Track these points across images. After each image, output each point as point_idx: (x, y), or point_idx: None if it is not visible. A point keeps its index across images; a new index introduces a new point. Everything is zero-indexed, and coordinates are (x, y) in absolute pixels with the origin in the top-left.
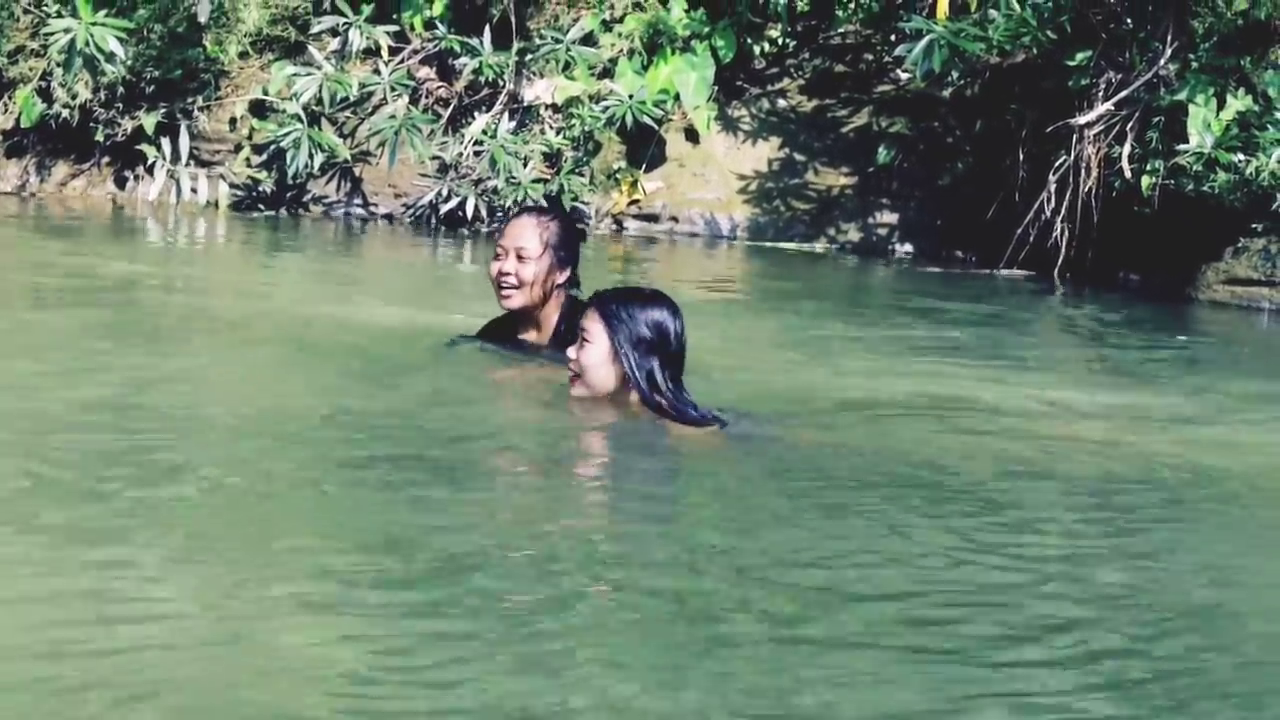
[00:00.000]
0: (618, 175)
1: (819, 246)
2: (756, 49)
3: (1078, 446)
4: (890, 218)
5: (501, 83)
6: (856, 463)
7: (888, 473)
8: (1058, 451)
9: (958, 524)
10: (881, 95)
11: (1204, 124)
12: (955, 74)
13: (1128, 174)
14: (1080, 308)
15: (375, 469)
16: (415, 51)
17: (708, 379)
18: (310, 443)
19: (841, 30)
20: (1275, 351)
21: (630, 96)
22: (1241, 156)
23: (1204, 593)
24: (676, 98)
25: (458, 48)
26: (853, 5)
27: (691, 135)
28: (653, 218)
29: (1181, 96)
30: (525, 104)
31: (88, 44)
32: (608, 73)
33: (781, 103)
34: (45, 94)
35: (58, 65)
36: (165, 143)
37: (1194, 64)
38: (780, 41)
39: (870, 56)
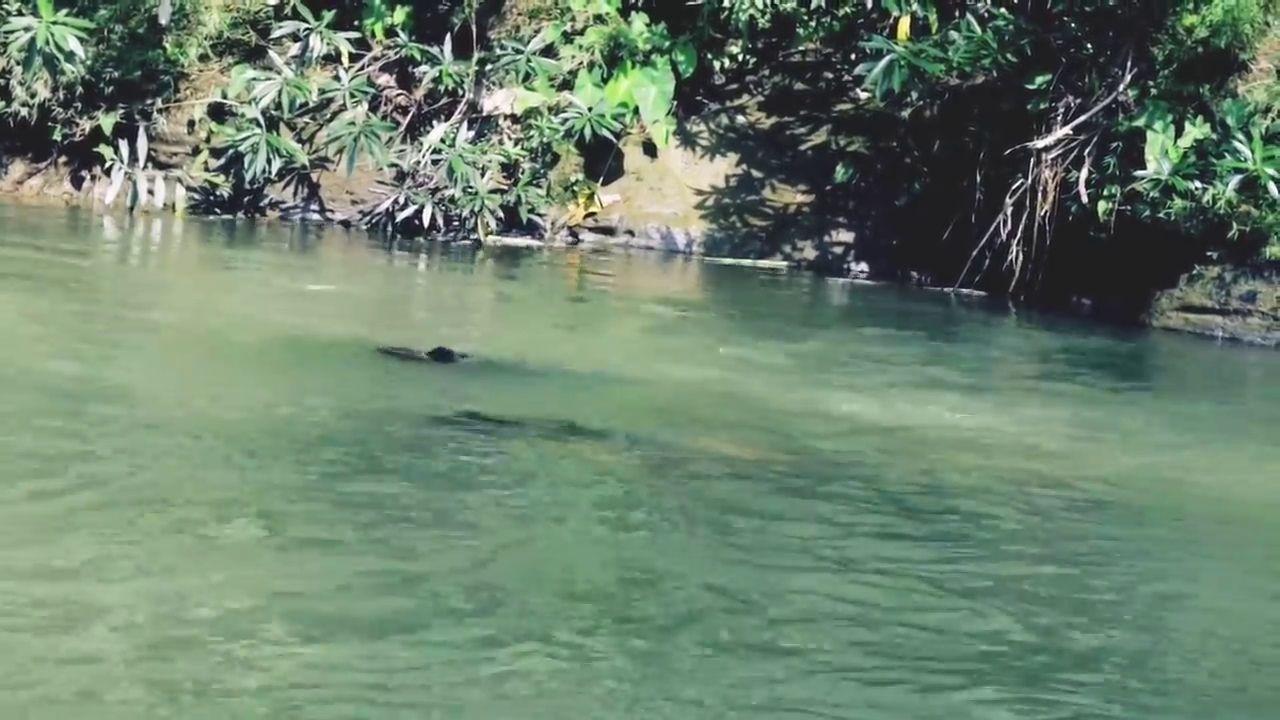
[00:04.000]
0: (575, 187)
1: (774, 263)
2: (717, 64)
3: (1022, 470)
4: (846, 236)
5: (461, 92)
6: (796, 483)
7: (830, 493)
8: (1005, 475)
9: (895, 550)
10: (840, 114)
11: (1162, 150)
12: (915, 95)
13: (1084, 198)
14: (1032, 330)
15: (312, 477)
16: (376, 59)
17: (654, 386)
18: (244, 449)
19: (802, 48)
20: (1226, 379)
21: (590, 109)
22: (1198, 184)
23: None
24: (636, 111)
25: (418, 56)
26: (814, 23)
27: (650, 149)
28: (609, 230)
29: (1140, 123)
30: (484, 114)
31: (48, 43)
32: (567, 84)
33: (740, 119)
34: (4, 92)
35: (17, 64)
36: (123, 145)
37: (1153, 90)
38: (740, 58)
39: (830, 75)
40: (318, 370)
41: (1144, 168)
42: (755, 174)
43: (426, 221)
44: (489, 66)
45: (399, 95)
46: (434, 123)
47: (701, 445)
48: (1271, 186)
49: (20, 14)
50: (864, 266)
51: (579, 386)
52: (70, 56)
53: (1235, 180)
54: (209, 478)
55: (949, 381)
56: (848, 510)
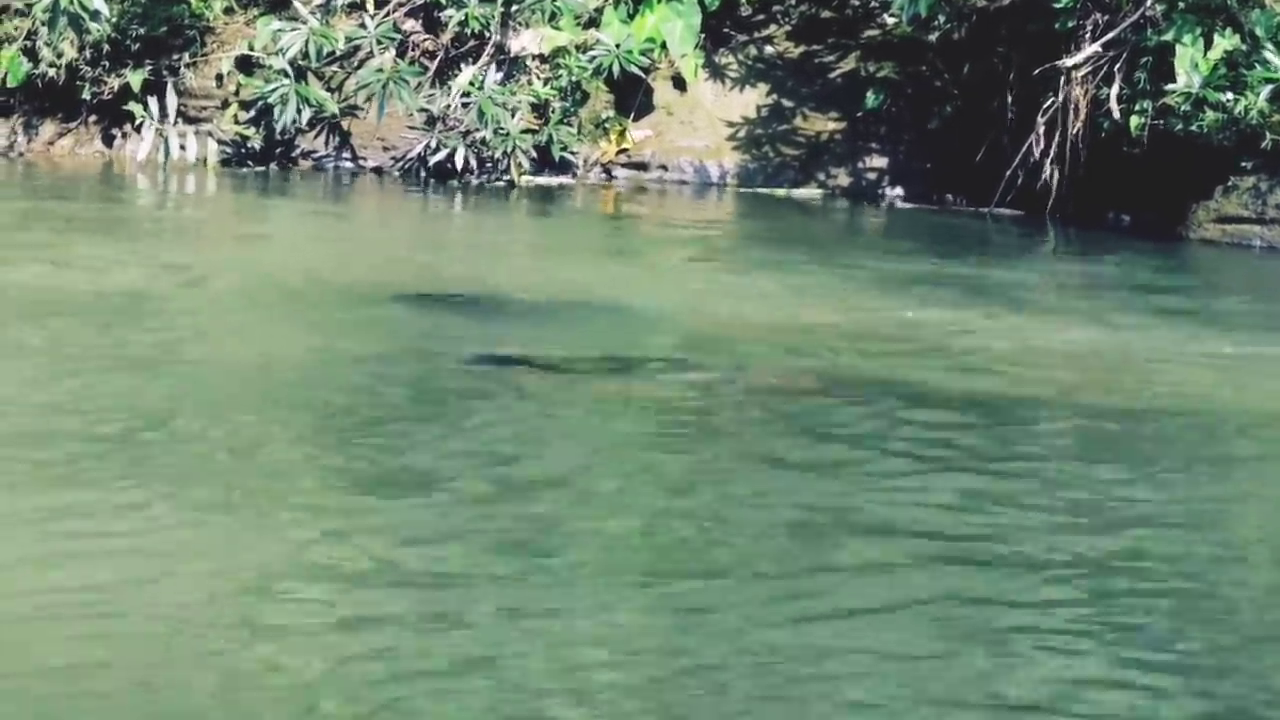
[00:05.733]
0: (606, 124)
1: (809, 191)
2: None
3: (1068, 386)
4: (880, 162)
5: (488, 34)
6: (850, 413)
7: (883, 421)
8: (1052, 392)
9: (948, 479)
10: (869, 40)
11: (1191, 64)
12: (942, 18)
13: (1116, 115)
14: (1070, 248)
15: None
16: (401, 4)
17: (707, 318)
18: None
19: None
20: (1268, 289)
21: (617, 46)
22: (1230, 95)
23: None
24: (663, 46)
25: (444, 0)
26: None
27: (679, 83)
28: (642, 166)
29: (1169, 37)
30: (512, 55)
31: (72, 2)
32: (594, 22)
33: (769, 49)
34: (31, 53)
35: (42, 24)
36: (153, 101)
37: (1180, 4)
38: None
39: (857, 1)
40: (359, 317)
41: (1174, 82)
42: (786, 103)
43: (459, 165)
44: (515, 7)
45: (426, 40)
46: (462, 66)
47: (762, 376)
48: None
49: None
50: (899, 191)
51: (626, 322)
52: (95, 15)
53: (1267, 90)
54: (238, 432)
55: (995, 300)
56: (917, 429)
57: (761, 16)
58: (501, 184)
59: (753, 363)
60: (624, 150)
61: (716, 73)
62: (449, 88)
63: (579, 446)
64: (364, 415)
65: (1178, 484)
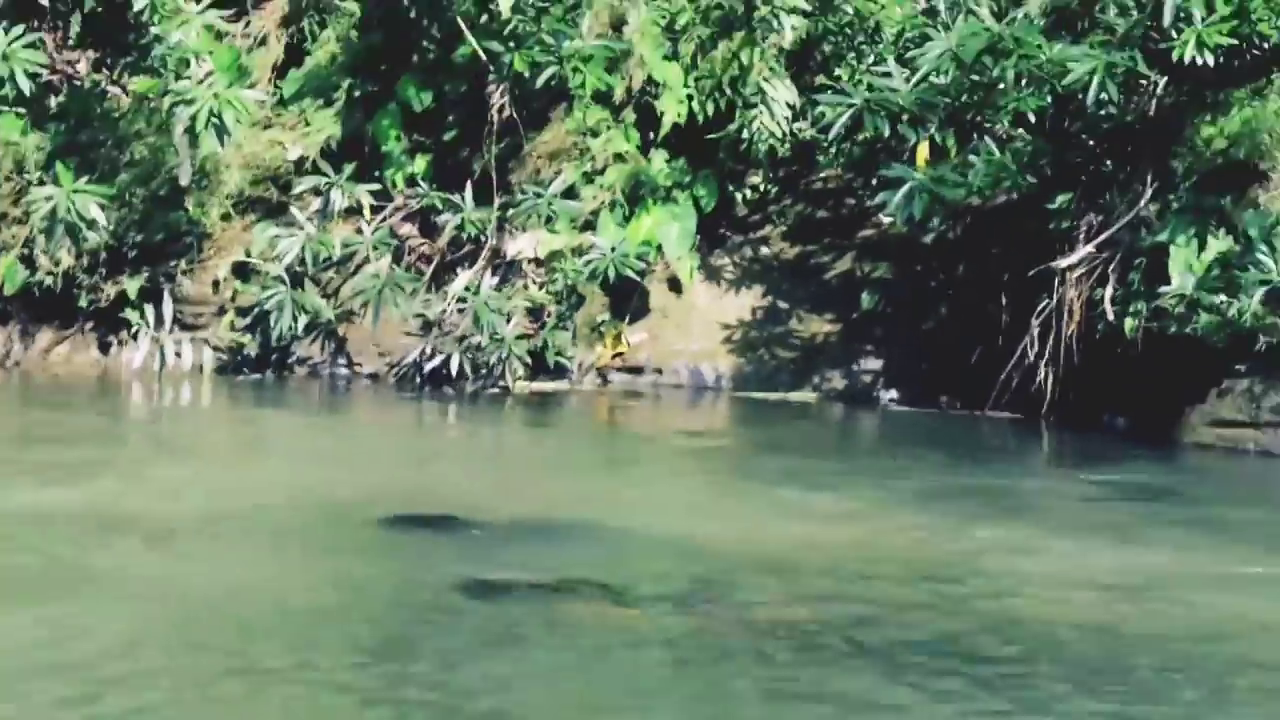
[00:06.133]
0: (601, 328)
1: (804, 395)
2: (738, 196)
3: (1069, 611)
4: (875, 364)
5: (484, 238)
6: (840, 636)
7: (874, 647)
8: (1051, 617)
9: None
10: (864, 240)
11: (1185, 265)
12: (936, 220)
13: (1110, 316)
14: (1066, 458)
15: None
16: (397, 209)
17: (695, 537)
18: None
19: (823, 175)
20: (1265, 498)
21: (613, 249)
22: (1224, 297)
23: None
24: (659, 248)
25: (440, 204)
26: (834, 150)
27: (675, 285)
28: (637, 370)
29: (1163, 238)
30: (508, 258)
31: (69, 211)
32: (590, 225)
33: (764, 250)
34: (28, 261)
35: (40, 233)
36: (149, 309)
37: (1174, 204)
38: (762, 188)
39: (852, 201)
40: (343, 544)
41: (1168, 282)
42: (781, 305)
43: (454, 371)
44: (510, 211)
45: (422, 244)
46: (458, 270)
47: (748, 612)
48: None
49: (41, 183)
50: (894, 394)
51: (617, 549)
52: (92, 224)
53: (1260, 292)
54: (217, 663)
55: (991, 517)
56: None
57: (757, 217)
58: (496, 390)
59: (747, 594)
60: (619, 354)
61: (712, 274)
62: (445, 292)
63: (555, 689)
64: (334, 656)
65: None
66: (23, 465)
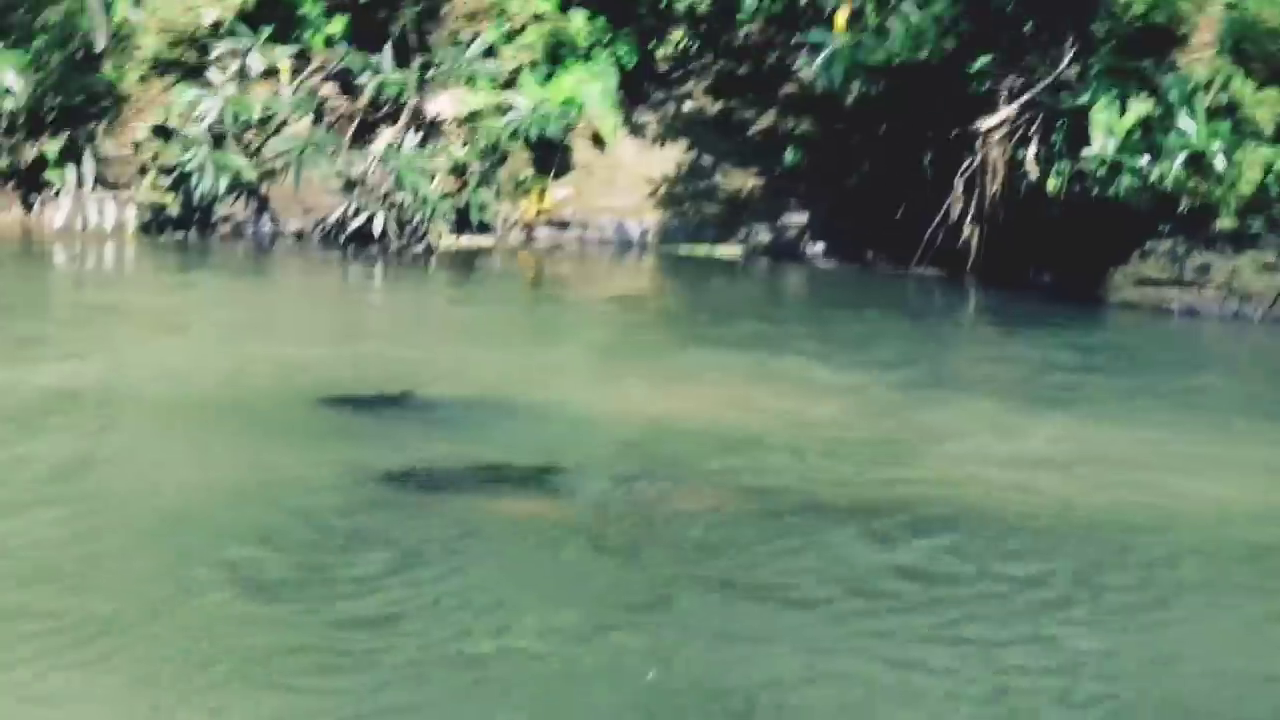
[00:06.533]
0: (525, 184)
1: (730, 249)
2: (659, 53)
3: (993, 477)
4: (800, 219)
5: (405, 98)
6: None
7: (796, 543)
8: (975, 484)
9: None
10: (787, 96)
11: (1106, 128)
12: (858, 84)
13: (1033, 176)
14: (994, 313)
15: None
16: (316, 70)
17: (630, 417)
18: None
19: (744, 32)
20: (1190, 357)
21: (534, 108)
22: (1145, 160)
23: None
24: (581, 106)
25: (359, 65)
26: (755, 7)
27: (599, 141)
28: (563, 225)
29: (1084, 100)
30: (429, 119)
31: None
32: (511, 84)
33: (688, 105)
34: None
35: None
36: (70, 169)
37: (1095, 67)
38: (683, 44)
39: (774, 56)
40: (267, 425)
41: (1090, 144)
42: (705, 159)
43: (378, 230)
44: (430, 72)
45: (342, 103)
46: (379, 130)
47: (675, 495)
48: (1218, 161)
49: None
50: (820, 248)
51: (545, 427)
52: (6, 92)
53: (1181, 157)
54: (142, 557)
55: (921, 382)
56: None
57: (679, 73)
58: (421, 248)
59: (676, 474)
60: (544, 210)
61: (636, 130)
62: (367, 152)
63: (475, 586)
64: (252, 547)
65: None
66: None
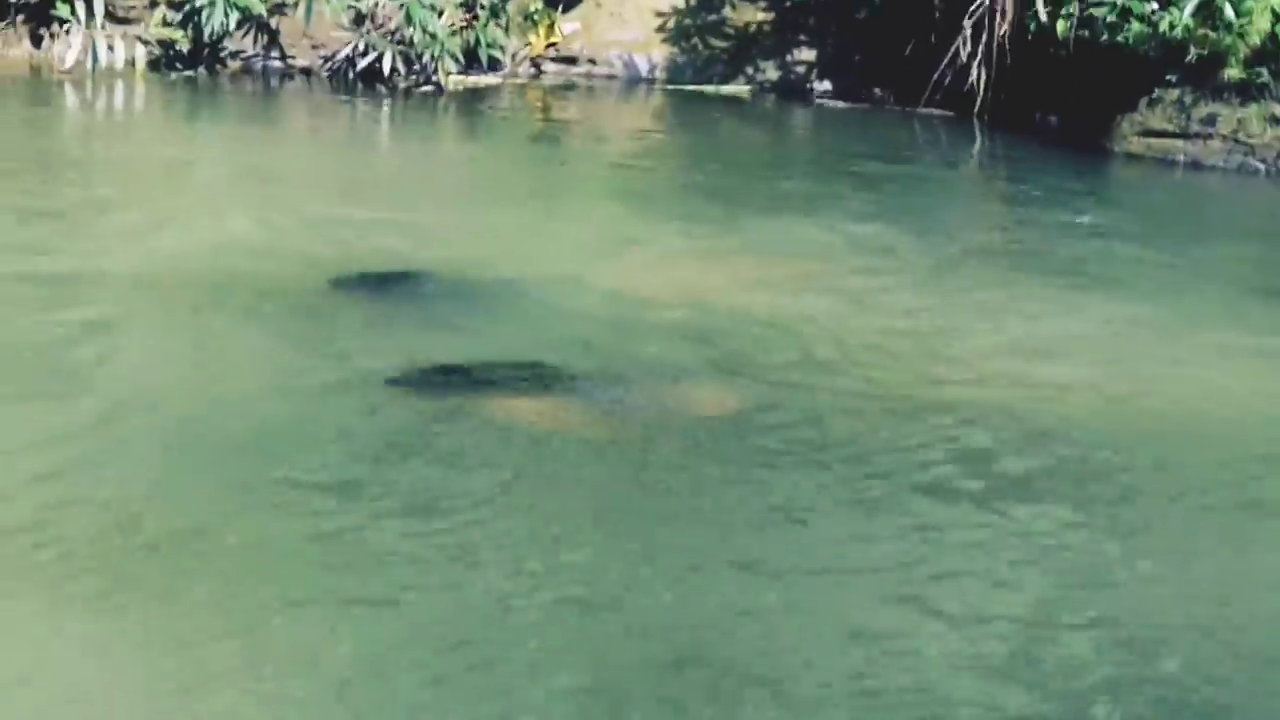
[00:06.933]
0: (534, 17)
1: (737, 87)
2: None
3: (1025, 371)
4: (808, 54)
5: None
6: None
7: (805, 450)
8: (1003, 378)
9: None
10: None
11: None
12: None
13: (1043, 17)
14: (1000, 161)
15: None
16: None
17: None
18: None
19: None
20: (1202, 216)
21: None
22: (1154, 6)
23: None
24: None
25: None
26: None
27: None
28: (571, 60)
29: None
30: None
31: None
32: None
33: None
34: None
35: None
36: (80, 3)
37: None
38: None
39: None
40: (271, 314)
41: None
42: None
43: (387, 68)
44: None
45: None
46: None
47: (676, 396)
48: (1228, 9)
49: None
50: (827, 85)
51: (555, 314)
52: None
53: (1191, 4)
54: (152, 478)
55: (936, 255)
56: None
57: None
58: (430, 87)
59: (694, 368)
60: (553, 44)
61: None
62: None
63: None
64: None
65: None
66: None
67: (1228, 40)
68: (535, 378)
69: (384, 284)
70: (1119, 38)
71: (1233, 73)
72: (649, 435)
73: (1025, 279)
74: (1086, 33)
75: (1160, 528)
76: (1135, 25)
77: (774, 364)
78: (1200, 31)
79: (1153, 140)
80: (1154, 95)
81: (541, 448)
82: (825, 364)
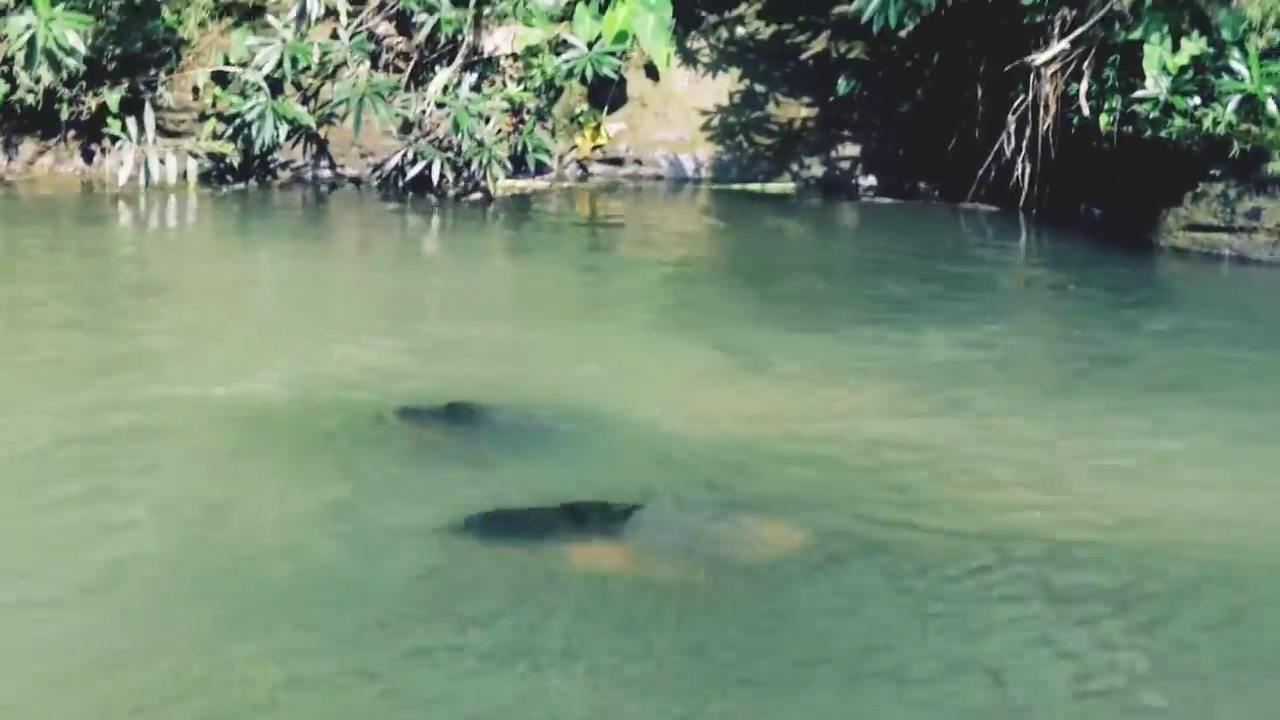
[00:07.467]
0: (580, 119)
1: (783, 185)
2: None
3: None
4: (853, 150)
5: (461, 36)
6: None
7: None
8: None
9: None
10: (839, 18)
11: (1159, 65)
12: (912, 24)
13: (1086, 111)
14: (1047, 258)
15: None
16: (374, 10)
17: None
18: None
19: None
20: (1242, 310)
21: (590, 45)
22: (1197, 101)
23: None
24: (635, 38)
25: (416, 5)
26: None
27: (652, 72)
28: (617, 161)
29: (1136, 35)
30: (485, 55)
31: (47, 39)
32: (567, 16)
33: (740, 30)
34: (8, 77)
35: (19, 53)
36: (131, 120)
37: (1147, 0)
38: None
39: None
40: (326, 448)
41: (1143, 78)
42: (758, 88)
43: (436, 177)
44: (487, 9)
45: (399, 43)
46: (436, 69)
47: (760, 533)
48: (1270, 105)
49: (18, 10)
50: (872, 181)
51: (612, 447)
52: (71, 52)
53: (1234, 101)
54: (196, 618)
55: (996, 365)
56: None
57: None
58: (479, 195)
59: (759, 503)
60: (599, 145)
61: (689, 58)
62: (423, 93)
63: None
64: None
65: None
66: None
67: (1270, 135)
68: (599, 518)
69: (438, 419)
70: (1162, 133)
71: (1276, 167)
72: (718, 580)
73: (1113, 390)
74: (1129, 128)
75: None
76: (1178, 121)
77: (846, 496)
78: (1243, 127)
79: (1198, 234)
80: (1198, 190)
81: (607, 594)
82: (905, 494)
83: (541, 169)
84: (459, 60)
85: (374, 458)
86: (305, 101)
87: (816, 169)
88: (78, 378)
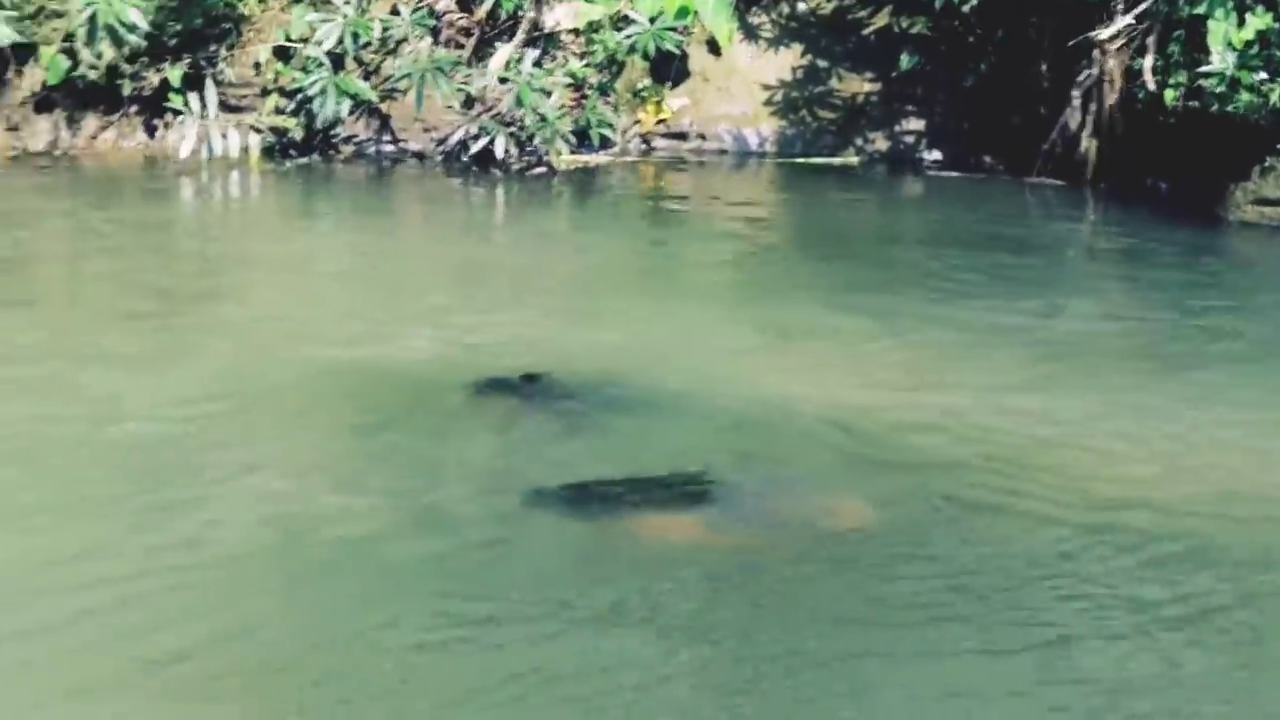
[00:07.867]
0: (643, 94)
1: (847, 159)
2: None
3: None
4: (917, 124)
5: (521, 11)
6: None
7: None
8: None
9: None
10: None
11: (1225, 41)
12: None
13: (1151, 86)
14: (1116, 231)
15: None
16: None
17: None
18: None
19: None
20: None
21: (651, 20)
22: (1263, 75)
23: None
24: (696, 14)
25: None
26: None
27: (714, 47)
28: (681, 136)
29: (1200, 9)
30: (546, 30)
31: (109, 15)
32: None
33: (801, 5)
34: (70, 53)
35: (81, 30)
36: (193, 96)
37: None
38: None
39: None
40: (396, 421)
41: (1207, 53)
42: (820, 64)
43: (500, 152)
44: None
45: (460, 18)
46: (497, 44)
47: (833, 509)
48: None
49: None
50: (936, 155)
51: (683, 419)
52: (133, 28)
53: None
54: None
55: (1071, 340)
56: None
57: None
58: (542, 169)
59: (829, 478)
60: (662, 120)
61: (750, 33)
62: (485, 68)
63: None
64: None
65: None
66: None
67: None
68: (674, 491)
69: (514, 389)
70: (1229, 108)
71: None
72: (792, 553)
73: (1188, 369)
74: (1196, 103)
75: None
76: (1245, 95)
77: (920, 469)
78: None
79: (1266, 208)
80: (1266, 164)
81: (684, 567)
82: (974, 470)
83: (605, 144)
84: (520, 36)
85: (453, 428)
86: (367, 77)
87: (880, 143)
88: (194, 346)
